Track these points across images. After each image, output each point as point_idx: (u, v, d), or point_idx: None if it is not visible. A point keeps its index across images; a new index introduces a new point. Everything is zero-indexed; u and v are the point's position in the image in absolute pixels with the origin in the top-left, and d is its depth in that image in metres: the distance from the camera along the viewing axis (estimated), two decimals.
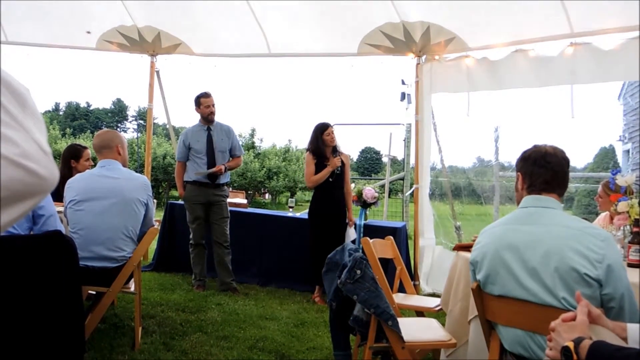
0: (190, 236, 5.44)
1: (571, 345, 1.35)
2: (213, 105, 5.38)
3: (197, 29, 6.37)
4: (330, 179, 5.15)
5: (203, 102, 5.36)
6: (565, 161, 2.13)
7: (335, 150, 5.24)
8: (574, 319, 1.47)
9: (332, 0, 5.50)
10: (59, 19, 6.43)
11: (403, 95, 11.36)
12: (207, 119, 5.38)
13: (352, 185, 5.66)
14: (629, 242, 2.85)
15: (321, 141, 5.16)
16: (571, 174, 2.19)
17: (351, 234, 5.24)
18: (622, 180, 3.26)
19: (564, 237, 1.96)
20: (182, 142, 5.43)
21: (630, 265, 2.75)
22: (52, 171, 0.77)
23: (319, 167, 5.17)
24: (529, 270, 2.00)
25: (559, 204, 2.12)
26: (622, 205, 3.11)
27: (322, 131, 5.17)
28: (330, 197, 5.19)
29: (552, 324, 1.49)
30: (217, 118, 5.46)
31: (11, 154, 0.70)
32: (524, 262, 2.01)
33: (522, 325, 2.02)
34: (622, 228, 3.11)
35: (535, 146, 2.17)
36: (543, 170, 2.10)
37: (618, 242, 3.00)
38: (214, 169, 5.29)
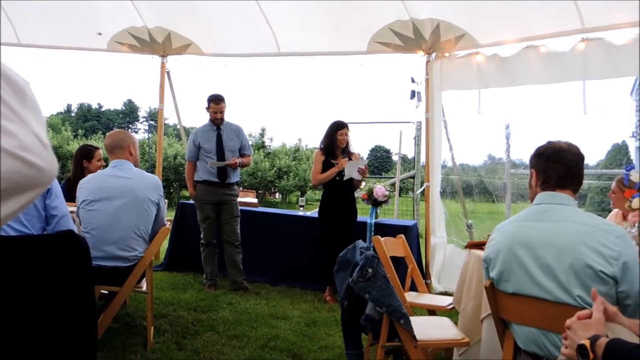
0: (201, 236, 5.45)
1: (587, 343, 1.34)
2: (221, 112, 5.41)
3: (207, 29, 6.39)
4: (337, 178, 5.14)
5: (212, 107, 5.41)
6: (580, 157, 2.11)
7: (345, 151, 5.23)
8: (589, 316, 1.45)
9: None
10: (71, 21, 6.48)
11: (413, 93, 11.32)
12: (214, 122, 5.44)
13: (363, 183, 5.65)
14: None
15: (335, 139, 5.17)
16: (584, 171, 2.17)
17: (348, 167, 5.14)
18: (636, 176, 3.23)
19: (578, 233, 1.94)
20: (192, 141, 5.46)
21: None
22: (51, 163, 0.77)
23: (328, 165, 5.17)
24: (543, 267, 1.98)
25: (574, 200, 2.09)
26: (636, 202, 3.08)
27: (337, 129, 5.18)
28: (340, 196, 5.19)
29: (567, 322, 1.48)
30: (227, 118, 5.49)
31: (10, 146, 0.71)
32: (538, 260, 1.99)
33: (537, 324, 2.00)
34: (636, 225, 3.08)
35: (549, 142, 2.16)
36: (557, 166, 2.09)
37: (633, 239, 2.97)
38: (229, 162, 5.31)
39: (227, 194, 5.40)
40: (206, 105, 5.45)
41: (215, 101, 5.40)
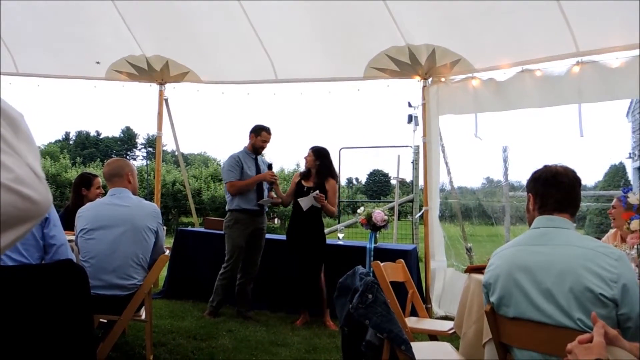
0: (225, 264, 5.34)
1: None
2: (268, 142, 5.57)
3: (205, 57, 6.46)
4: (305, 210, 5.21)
5: (264, 135, 5.50)
6: (577, 181, 2.12)
7: (321, 173, 5.33)
8: (590, 340, 1.45)
9: (337, 25, 5.57)
10: (69, 51, 6.55)
11: (410, 118, 11.36)
12: (258, 150, 5.54)
13: (362, 208, 5.66)
14: None
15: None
16: (582, 193, 2.18)
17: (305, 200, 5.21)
18: (634, 198, 3.24)
19: (577, 257, 1.94)
20: (237, 164, 5.42)
21: None
22: (45, 196, 0.78)
23: (299, 187, 5.37)
24: (543, 291, 1.97)
25: (572, 224, 2.10)
26: (634, 224, 3.08)
27: None
28: (303, 220, 5.28)
29: (568, 346, 1.47)
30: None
31: (5, 180, 0.71)
32: (537, 284, 1.99)
33: (538, 348, 1.99)
34: (636, 246, 3.07)
35: (545, 166, 2.17)
36: (554, 190, 2.09)
37: (632, 261, 2.96)
38: (275, 199, 5.60)
39: (262, 222, 5.51)
40: (251, 133, 5.52)
41: (268, 130, 5.54)
